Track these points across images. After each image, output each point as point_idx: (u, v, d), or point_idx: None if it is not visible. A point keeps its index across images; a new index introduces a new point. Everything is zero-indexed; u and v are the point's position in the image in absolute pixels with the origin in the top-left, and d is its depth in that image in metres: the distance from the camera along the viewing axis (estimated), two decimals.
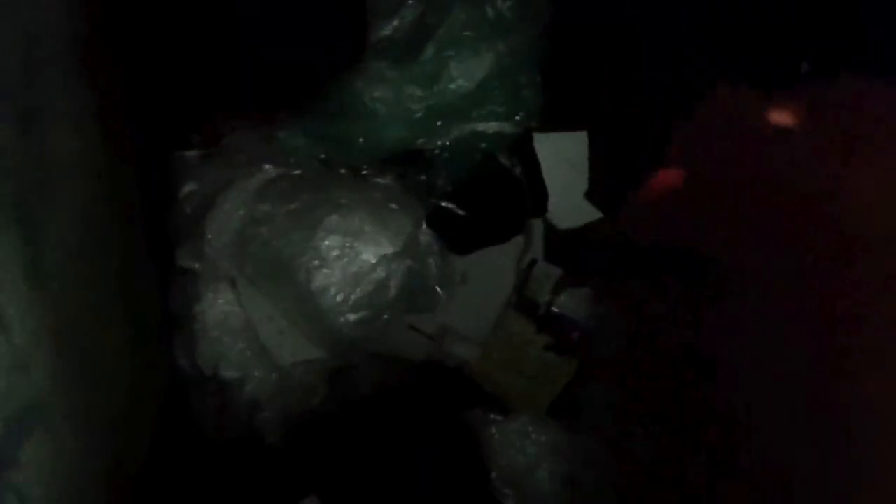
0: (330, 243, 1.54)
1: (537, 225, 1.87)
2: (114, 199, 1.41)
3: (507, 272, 1.87)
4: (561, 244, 1.90)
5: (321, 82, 1.73)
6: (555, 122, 1.87)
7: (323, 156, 1.71)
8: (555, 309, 1.82)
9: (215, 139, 1.75)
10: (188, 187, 1.66)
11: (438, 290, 1.74)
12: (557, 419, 1.70)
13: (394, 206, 1.59)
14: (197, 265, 1.61)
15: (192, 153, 1.72)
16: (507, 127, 1.71)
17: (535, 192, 1.83)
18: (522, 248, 1.87)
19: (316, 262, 1.53)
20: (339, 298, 1.54)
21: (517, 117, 1.72)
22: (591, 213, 1.92)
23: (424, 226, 1.62)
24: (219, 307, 1.61)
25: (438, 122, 1.70)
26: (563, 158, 1.91)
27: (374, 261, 1.54)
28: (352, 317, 1.54)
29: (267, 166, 1.62)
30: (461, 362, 1.78)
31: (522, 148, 1.80)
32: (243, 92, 1.81)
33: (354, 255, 1.54)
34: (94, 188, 1.28)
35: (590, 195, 1.91)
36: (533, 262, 1.85)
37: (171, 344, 1.63)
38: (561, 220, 1.92)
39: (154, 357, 1.57)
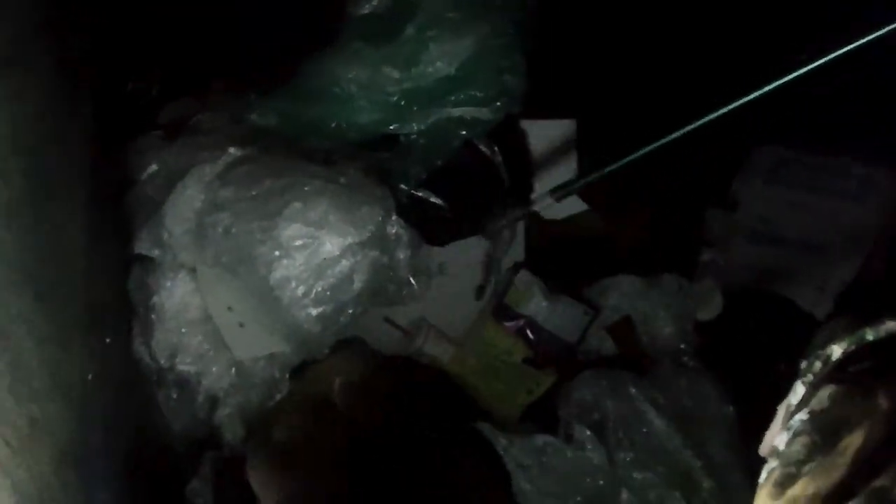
0: (292, 233, 1.40)
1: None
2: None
3: (487, 266, 1.74)
4: (545, 240, 1.78)
5: (294, 61, 1.61)
6: (541, 108, 1.74)
7: (294, 139, 1.58)
8: (537, 320, 1.67)
9: (183, 119, 1.63)
10: (150, 169, 1.53)
11: (413, 282, 1.61)
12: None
13: (362, 194, 1.45)
14: (156, 252, 1.48)
15: (156, 133, 1.59)
16: (487, 113, 1.57)
17: (517, 181, 1.69)
18: (505, 241, 1.73)
19: (277, 253, 1.40)
20: (300, 291, 1.40)
21: (498, 103, 1.57)
22: (576, 206, 1.79)
23: (394, 216, 1.48)
24: (177, 297, 1.48)
25: (415, 107, 1.56)
26: (550, 147, 1.78)
27: (337, 252, 1.41)
28: (313, 311, 1.41)
29: (231, 149, 1.48)
30: (432, 360, 1.66)
31: (504, 135, 1.65)
32: (213, 70, 1.70)
33: (317, 246, 1.40)
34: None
35: None
36: (516, 268, 1.72)
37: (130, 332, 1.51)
38: (546, 210, 1.79)
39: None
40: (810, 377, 0.94)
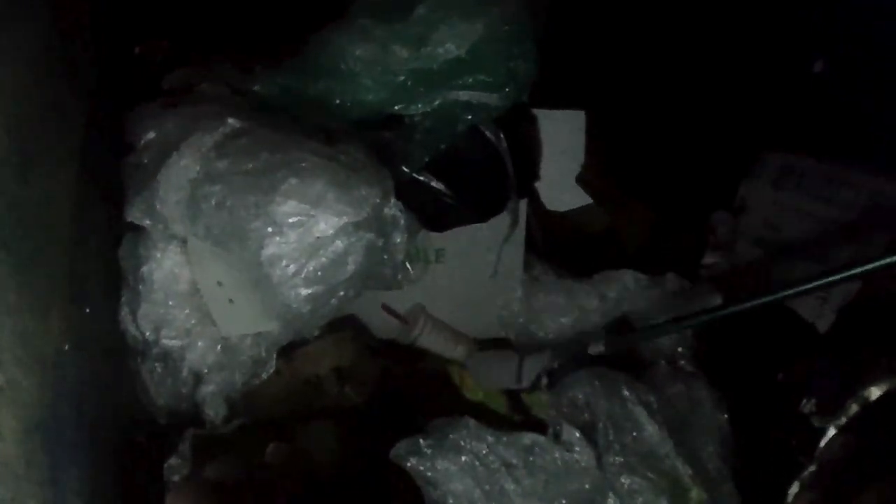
0: (286, 209, 1.33)
1: (522, 206, 1.67)
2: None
3: (487, 254, 1.68)
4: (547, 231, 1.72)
5: (300, 35, 1.54)
6: (550, 98, 1.67)
7: (295, 114, 1.51)
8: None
9: (185, 88, 1.56)
10: (147, 136, 1.46)
11: (408, 267, 1.55)
12: None
13: (361, 174, 1.38)
14: (147, 222, 1.41)
15: (157, 101, 1.52)
16: (495, 98, 1.50)
17: (521, 171, 1.62)
18: (506, 230, 1.67)
19: (269, 229, 1.33)
20: (290, 270, 1.34)
21: (507, 89, 1.50)
22: (580, 199, 1.72)
23: (393, 198, 1.41)
24: (166, 269, 1.42)
25: (422, 88, 1.49)
26: (557, 138, 1.71)
27: (332, 232, 1.34)
28: (303, 291, 1.35)
29: (231, 120, 1.41)
30: (426, 349, 1.61)
31: (511, 122, 1.58)
32: (218, 39, 1.64)
33: (311, 225, 1.33)
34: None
35: (581, 179, 1.72)
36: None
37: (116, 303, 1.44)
38: (549, 201, 1.73)
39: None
40: (843, 420, 0.89)
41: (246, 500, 1.23)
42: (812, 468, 0.86)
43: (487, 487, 1.30)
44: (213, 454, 1.34)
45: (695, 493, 1.41)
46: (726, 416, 1.53)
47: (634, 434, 1.44)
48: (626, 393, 1.46)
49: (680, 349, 1.65)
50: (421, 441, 1.31)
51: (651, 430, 1.43)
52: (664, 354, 1.64)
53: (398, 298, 1.65)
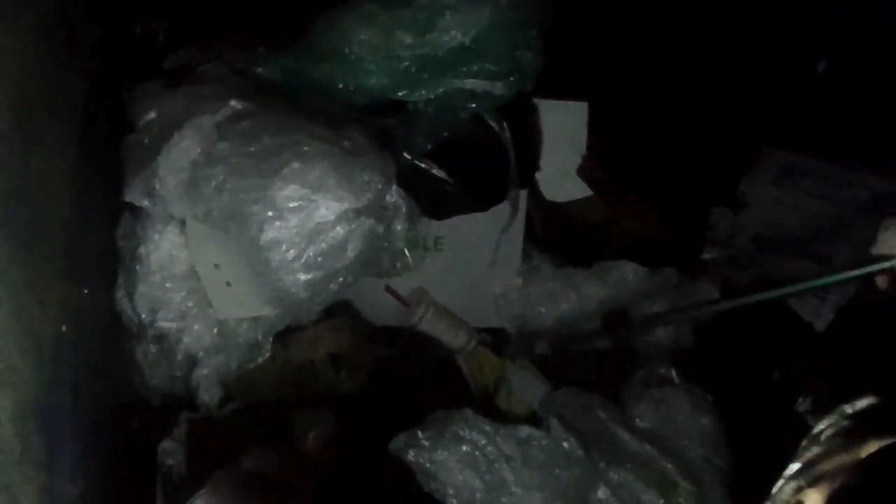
0: (287, 193, 1.31)
1: (522, 195, 1.66)
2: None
3: (486, 242, 1.67)
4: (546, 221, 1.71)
5: (305, 18, 1.52)
6: (554, 88, 1.65)
7: (298, 97, 1.49)
8: None
9: (187, 68, 1.55)
10: (148, 116, 1.44)
11: (407, 254, 1.54)
12: None
13: (363, 159, 1.37)
14: (146, 202, 1.40)
15: (158, 80, 1.50)
16: (499, 87, 1.49)
17: (522, 161, 1.60)
18: (505, 220, 1.66)
19: (270, 213, 1.32)
20: (290, 255, 1.32)
21: (511, 78, 1.49)
22: (581, 190, 1.71)
23: (395, 185, 1.40)
24: (164, 250, 1.41)
25: (426, 75, 1.48)
26: (559, 128, 1.70)
27: (332, 217, 1.32)
28: (302, 276, 1.33)
29: (233, 101, 1.40)
30: (427, 335, 1.59)
31: (514, 111, 1.57)
32: (222, 19, 1.62)
33: (312, 210, 1.32)
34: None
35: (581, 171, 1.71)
36: None
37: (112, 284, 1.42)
38: (549, 191, 1.72)
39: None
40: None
41: (284, 489, 1.22)
42: (795, 465, 0.99)
43: (488, 478, 1.29)
44: (214, 439, 1.32)
45: (683, 486, 1.41)
46: (708, 417, 1.52)
47: (615, 445, 1.43)
48: (601, 414, 1.45)
49: (676, 344, 1.64)
50: (419, 433, 1.30)
51: (628, 439, 1.42)
52: (661, 348, 1.63)
53: (395, 285, 1.64)
